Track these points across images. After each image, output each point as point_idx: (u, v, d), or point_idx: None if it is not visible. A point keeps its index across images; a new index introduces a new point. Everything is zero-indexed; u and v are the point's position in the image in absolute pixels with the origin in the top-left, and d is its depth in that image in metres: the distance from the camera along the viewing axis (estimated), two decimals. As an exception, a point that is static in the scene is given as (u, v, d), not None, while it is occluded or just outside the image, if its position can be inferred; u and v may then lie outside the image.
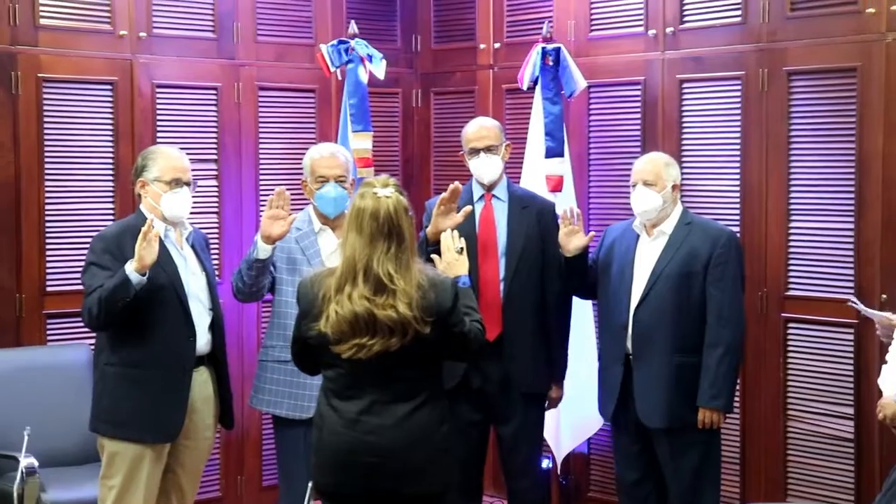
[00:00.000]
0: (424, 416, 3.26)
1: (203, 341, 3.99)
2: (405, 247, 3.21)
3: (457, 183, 4.12)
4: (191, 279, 3.98)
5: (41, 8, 4.82)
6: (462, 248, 3.55)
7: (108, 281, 3.75)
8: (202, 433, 4.06)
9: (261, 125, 5.45)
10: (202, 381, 4.02)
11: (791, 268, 4.67)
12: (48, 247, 4.87)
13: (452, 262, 3.52)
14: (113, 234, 3.93)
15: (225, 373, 4.14)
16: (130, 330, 3.84)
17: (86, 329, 4.11)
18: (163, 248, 3.80)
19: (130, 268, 3.71)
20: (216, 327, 4.08)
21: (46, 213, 4.86)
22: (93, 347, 4.22)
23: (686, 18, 4.95)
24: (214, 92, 5.31)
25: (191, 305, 3.94)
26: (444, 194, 4.09)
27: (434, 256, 3.58)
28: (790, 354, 4.69)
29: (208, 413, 4.07)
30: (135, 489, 3.89)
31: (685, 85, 4.95)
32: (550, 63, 4.98)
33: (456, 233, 3.63)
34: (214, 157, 5.31)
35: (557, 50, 4.99)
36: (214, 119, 5.31)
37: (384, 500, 3.27)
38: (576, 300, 4.49)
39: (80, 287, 3.92)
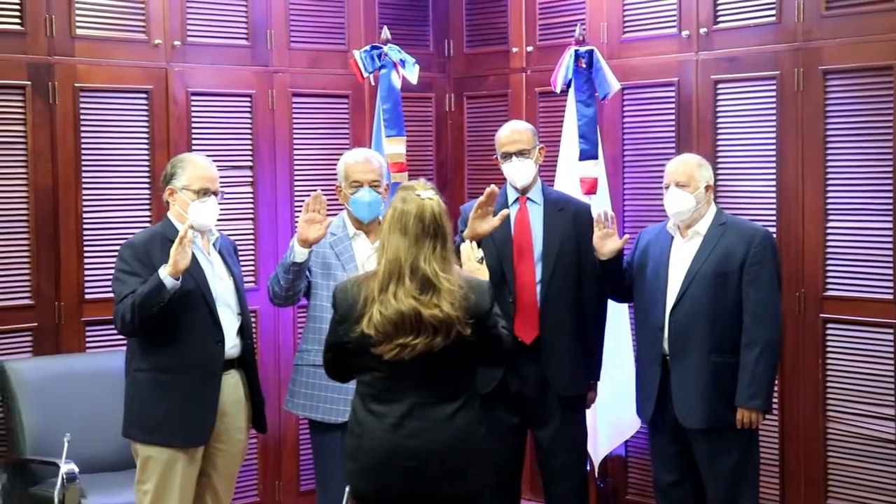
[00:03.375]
0: (466, 418, 3.26)
1: (231, 345, 4.02)
2: (447, 247, 3.23)
3: (493, 186, 4.12)
4: (218, 284, 4.01)
5: (77, 18, 4.87)
6: (482, 258, 3.57)
7: (140, 287, 3.79)
8: (234, 436, 4.08)
9: (295, 131, 5.47)
10: (232, 384, 4.05)
11: (829, 268, 4.64)
12: (86, 255, 4.91)
13: (473, 271, 3.52)
14: (141, 242, 3.96)
15: (255, 376, 4.17)
16: (159, 335, 3.87)
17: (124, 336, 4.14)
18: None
19: (164, 272, 3.74)
20: (245, 331, 4.10)
21: (84, 221, 4.91)
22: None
23: (720, 18, 4.93)
24: (248, 99, 5.34)
25: (219, 310, 3.97)
26: (481, 198, 4.10)
27: (455, 268, 3.58)
28: (829, 355, 4.65)
29: (240, 416, 4.09)
30: (169, 493, 3.92)
31: (720, 86, 4.93)
32: (583, 65, 4.98)
33: (475, 244, 3.65)
34: (249, 163, 5.34)
35: (590, 52, 4.98)
36: (249, 126, 5.34)
37: (423, 503, 3.27)
38: (611, 302, 4.48)
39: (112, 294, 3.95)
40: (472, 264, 3.55)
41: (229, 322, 4.02)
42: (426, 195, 3.25)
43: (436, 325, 3.15)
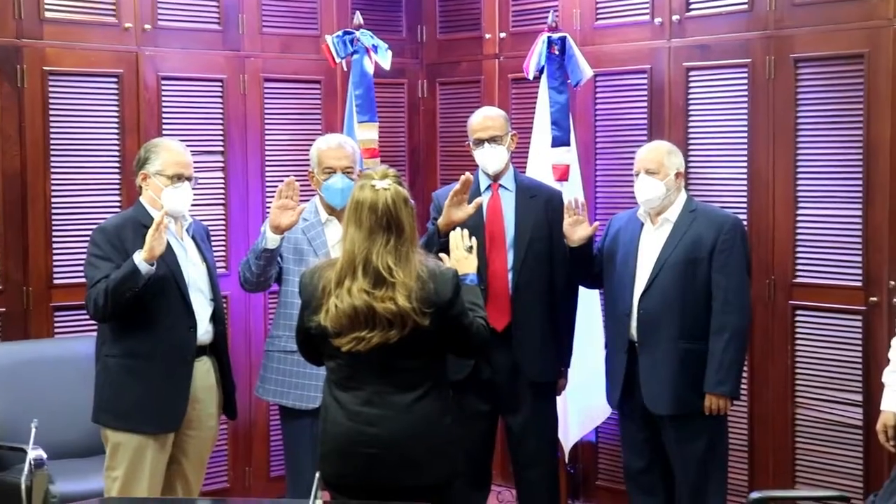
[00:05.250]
0: (426, 407, 3.25)
1: (204, 331, 4.00)
2: (405, 238, 3.20)
3: (468, 174, 4.11)
4: (191, 269, 3.99)
5: (46, 1, 4.82)
6: (471, 247, 3.54)
7: (113, 272, 3.77)
8: (206, 423, 4.07)
9: (266, 116, 5.45)
10: (204, 370, 4.03)
11: (798, 255, 4.66)
12: (55, 240, 4.88)
13: (462, 259, 3.50)
14: (113, 226, 3.93)
15: (227, 363, 4.15)
16: (131, 321, 3.85)
17: (93, 322, 4.11)
18: None
19: (139, 258, 3.72)
20: (217, 317, 4.09)
21: (53, 205, 4.87)
22: (99, 340, 4.23)
23: (692, 6, 4.93)
24: (220, 84, 5.31)
25: (191, 296, 3.95)
26: (456, 186, 4.09)
27: (442, 255, 3.57)
28: (798, 342, 4.68)
29: (211, 403, 4.08)
30: (138, 479, 3.90)
31: (692, 73, 4.94)
32: (556, 52, 4.97)
33: (466, 231, 3.61)
34: (220, 148, 5.31)
35: (563, 39, 4.97)
36: (220, 111, 5.31)
37: (386, 491, 3.26)
38: (582, 289, 4.49)
39: (84, 279, 3.93)
40: (461, 252, 3.51)
41: (202, 308, 4.00)
42: (381, 185, 3.21)
43: (390, 318, 3.14)
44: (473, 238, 3.59)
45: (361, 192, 3.23)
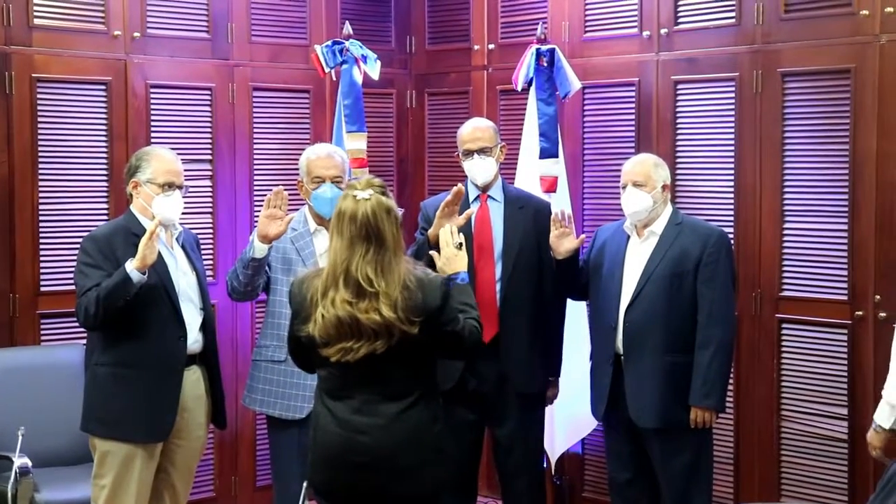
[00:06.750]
0: (416, 416, 3.25)
1: (193, 340, 3.99)
2: (386, 249, 3.20)
3: (460, 185, 4.12)
4: (181, 279, 3.99)
5: (35, 8, 4.81)
6: (461, 244, 3.55)
7: (104, 280, 3.76)
8: (194, 432, 4.06)
9: (255, 125, 5.44)
10: (194, 379, 4.03)
11: (785, 269, 4.68)
12: (42, 247, 4.86)
13: (452, 257, 3.52)
14: (104, 235, 3.93)
15: (217, 372, 4.15)
16: (121, 329, 3.84)
17: (80, 329, 4.11)
18: None
19: (131, 266, 3.72)
20: (207, 327, 4.08)
21: (40, 213, 4.86)
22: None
23: (680, 20, 4.96)
24: (209, 92, 5.31)
25: (181, 305, 3.95)
26: (448, 197, 4.09)
27: (433, 253, 3.58)
28: (784, 355, 4.69)
29: (200, 412, 4.07)
30: (126, 488, 3.89)
31: (679, 86, 4.96)
32: (545, 64, 4.99)
33: (455, 228, 3.63)
34: (209, 157, 5.30)
35: (552, 51, 4.99)
36: (209, 119, 5.31)
37: (376, 499, 3.27)
38: (569, 300, 4.50)
39: (74, 287, 3.91)
40: (451, 250, 3.53)
41: (192, 317, 3.99)
42: (362, 195, 3.22)
43: (375, 329, 3.14)
44: (461, 234, 3.60)
45: (344, 203, 3.24)
